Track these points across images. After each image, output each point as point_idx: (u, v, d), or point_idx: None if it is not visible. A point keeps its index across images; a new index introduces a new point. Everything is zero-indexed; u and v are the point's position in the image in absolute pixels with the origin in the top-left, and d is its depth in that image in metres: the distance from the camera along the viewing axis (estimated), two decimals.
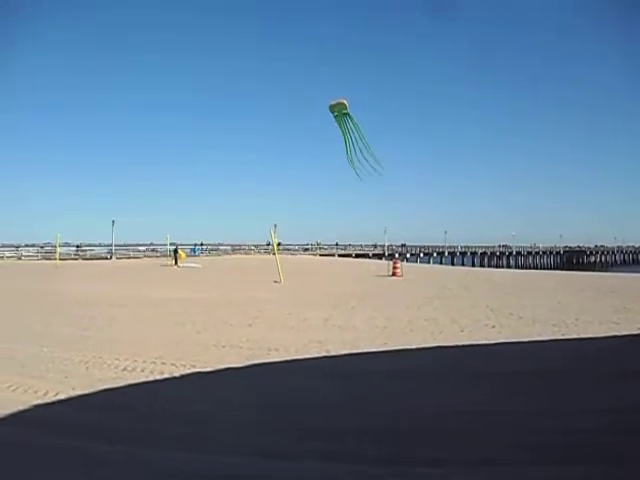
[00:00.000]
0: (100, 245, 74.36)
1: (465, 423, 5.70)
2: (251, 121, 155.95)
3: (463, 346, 10.26)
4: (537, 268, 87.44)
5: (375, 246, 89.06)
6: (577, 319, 13.24)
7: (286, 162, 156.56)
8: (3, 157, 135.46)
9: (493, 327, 12.38)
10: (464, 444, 5.12)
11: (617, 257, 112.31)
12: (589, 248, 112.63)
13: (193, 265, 44.67)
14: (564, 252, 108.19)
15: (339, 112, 13.85)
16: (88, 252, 69.66)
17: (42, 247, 69.15)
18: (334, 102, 14.25)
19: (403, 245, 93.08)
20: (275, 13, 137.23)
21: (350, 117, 13.79)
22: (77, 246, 72.60)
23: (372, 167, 12.76)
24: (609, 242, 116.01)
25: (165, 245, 59.05)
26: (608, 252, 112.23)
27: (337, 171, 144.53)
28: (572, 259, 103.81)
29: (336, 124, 13.86)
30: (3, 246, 69.05)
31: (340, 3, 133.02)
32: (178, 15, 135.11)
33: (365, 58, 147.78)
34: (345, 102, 13.91)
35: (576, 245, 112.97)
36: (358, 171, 12.99)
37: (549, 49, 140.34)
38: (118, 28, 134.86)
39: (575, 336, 11.16)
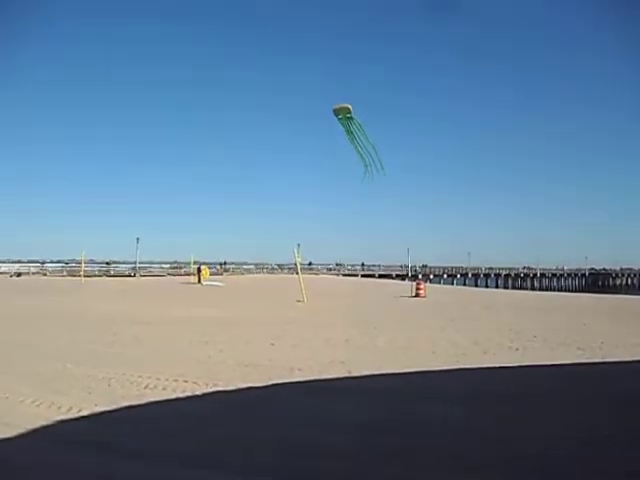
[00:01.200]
0: (125, 262, 75.01)
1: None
2: (277, 138, 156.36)
3: (486, 369, 10.15)
4: (562, 290, 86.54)
5: (402, 266, 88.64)
6: (602, 342, 13.04)
7: (311, 181, 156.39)
8: (28, 171, 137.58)
9: (517, 350, 12.22)
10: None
11: None
12: (614, 270, 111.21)
13: (216, 284, 44.89)
14: (589, 274, 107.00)
15: (343, 116, 14.18)
16: (112, 269, 70.41)
17: (67, 263, 69.93)
18: (337, 107, 14.60)
19: (425, 266, 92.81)
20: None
21: (354, 120, 14.10)
22: (107, 263, 73.46)
23: (377, 167, 13.16)
24: (635, 264, 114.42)
25: (189, 263, 59.32)
26: (634, 275, 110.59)
27: (360, 192, 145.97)
28: (597, 281, 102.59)
29: (340, 127, 14.21)
30: (29, 262, 70.05)
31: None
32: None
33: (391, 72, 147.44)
34: (349, 107, 14.25)
35: (601, 267, 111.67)
36: (368, 170, 13.38)
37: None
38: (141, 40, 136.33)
39: (599, 360, 10.99)
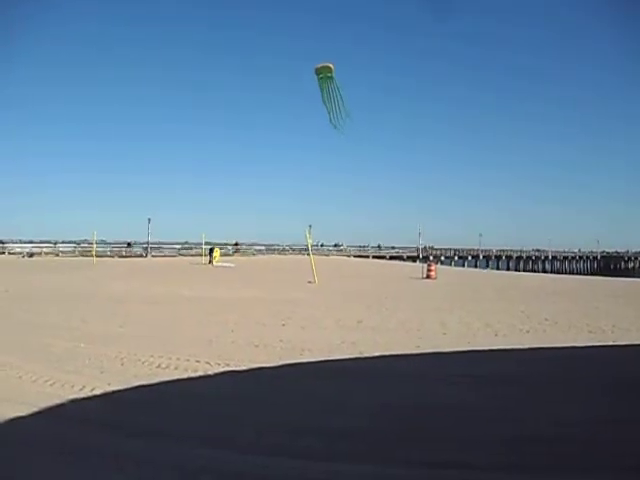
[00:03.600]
0: (136, 243, 75.21)
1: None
2: (287, 120, 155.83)
3: (498, 350, 10.13)
4: (573, 273, 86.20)
5: (418, 249, 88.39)
6: (614, 325, 12.98)
7: (323, 163, 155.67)
8: (38, 150, 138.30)
9: (528, 332, 12.19)
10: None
11: None
12: (626, 254, 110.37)
13: (226, 265, 45.02)
14: (601, 257, 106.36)
15: (324, 74, 14.79)
16: (124, 250, 70.68)
17: (79, 244, 70.21)
18: (320, 65, 15.17)
19: (435, 248, 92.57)
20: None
21: (333, 80, 14.81)
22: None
23: (344, 120, 14.15)
24: None
25: (200, 244, 59.43)
26: None
27: (371, 173, 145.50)
28: (609, 265, 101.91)
29: (318, 86, 14.97)
30: (41, 242, 70.37)
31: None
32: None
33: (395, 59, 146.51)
34: (331, 66, 14.86)
35: (614, 250, 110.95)
36: (338, 126, 14.48)
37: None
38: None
39: (611, 343, 10.94)
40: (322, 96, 15.16)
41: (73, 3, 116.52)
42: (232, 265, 45.29)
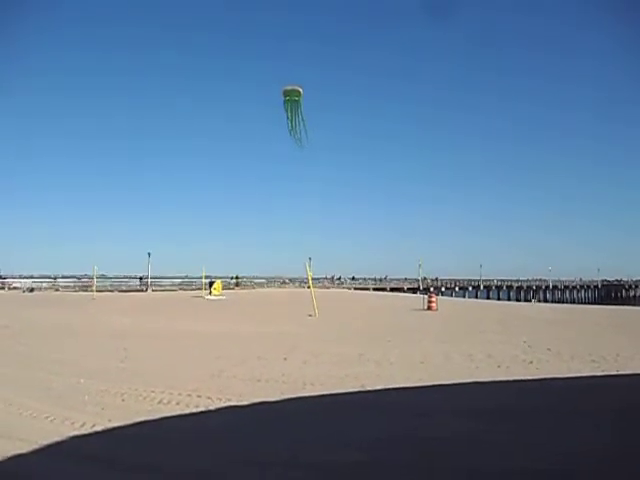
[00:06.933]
0: (135, 277, 75.01)
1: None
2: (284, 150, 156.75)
3: (501, 382, 10.07)
4: (574, 302, 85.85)
5: (420, 280, 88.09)
6: (617, 355, 12.91)
7: (323, 194, 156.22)
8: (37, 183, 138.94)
9: (531, 362, 12.12)
10: None
11: None
12: (627, 282, 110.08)
13: (217, 297, 45.05)
14: (602, 286, 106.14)
15: (291, 97, 15.85)
16: (124, 284, 70.49)
17: (79, 279, 70.07)
18: (289, 88, 16.21)
19: (436, 279, 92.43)
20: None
21: (299, 104, 15.94)
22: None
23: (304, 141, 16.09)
24: None
25: (200, 277, 59.28)
26: None
27: (370, 204, 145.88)
28: (610, 293, 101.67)
29: (284, 106, 16.15)
30: (41, 277, 70.32)
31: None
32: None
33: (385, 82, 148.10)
34: (300, 90, 15.92)
35: (614, 279, 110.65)
36: (299, 143, 16.29)
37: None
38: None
39: (615, 372, 10.87)
40: (287, 114, 16.42)
41: None
42: (223, 297, 45.28)
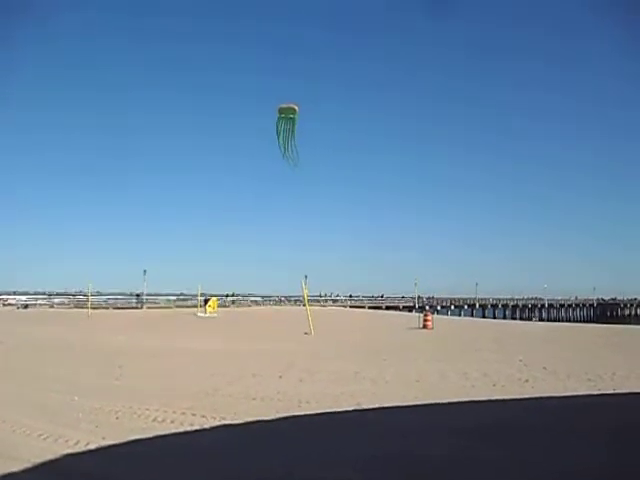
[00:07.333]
0: (131, 294, 74.76)
1: None
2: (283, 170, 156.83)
3: (496, 401, 10.04)
4: (570, 321, 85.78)
5: (416, 298, 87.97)
6: (613, 373, 12.89)
7: (317, 211, 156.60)
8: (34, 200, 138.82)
9: (526, 381, 12.09)
10: None
11: None
12: (622, 301, 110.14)
13: (208, 315, 44.97)
14: (597, 305, 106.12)
15: (286, 115, 16.12)
16: (119, 301, 70.19)
17: (74, 296, 69.82)
18: (285, 105, 16.45)
19: (431, 297, 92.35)
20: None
21: (293, 122, 16.21)
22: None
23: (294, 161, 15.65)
24: None
25: (196, 295, 59.11)
26: None
27: (368, 224, 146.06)
28: (606, 312, 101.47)
29: (278, 123, 16.37)
30: (36, 293, 70.12)
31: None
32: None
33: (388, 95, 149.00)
34: (296, 107, 16.17)
35: (610, 297, 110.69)
36: (290, 162, 15.82)
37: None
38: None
39: (611, 391, 10.86)
40: (278, 132, 16.73)
41: None
42: (215, 315, 45.21)
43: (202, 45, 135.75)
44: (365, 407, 9.43)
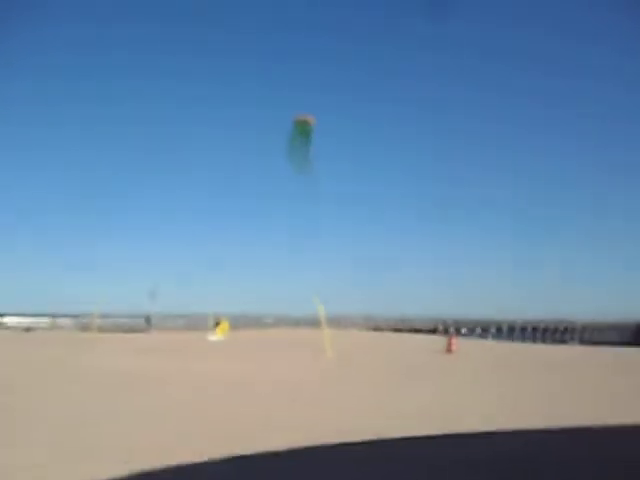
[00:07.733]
0: (139, 317, 74.75)
1: None
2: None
3: (519, 432, 10.01)
4: (605, 344, 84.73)
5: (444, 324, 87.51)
6: None
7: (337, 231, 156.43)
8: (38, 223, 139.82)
9: (553, 412, 12.05)
10: None
11: None
12: None
13: (215, 339, 45.01)
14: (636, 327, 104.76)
15: (302, 128, 16.29)
16: (127, 324, 70.21)
17: (79, 317, 69.97)
18: (302, 118, 16.67)
19: (456, 320, 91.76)
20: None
21: (308, 134, 16.37)
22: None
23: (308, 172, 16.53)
24: None
25: (207, 316, 59.18)
26: None
27: (391, 247, 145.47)
28: None
29: (294, 132, 16.56)
30: (39, 315, 70.36)
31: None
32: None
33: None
34: (310, 121, 16.41)
35: None
36: (302, 171, 16.68)
37: None
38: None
39: None
40: (293, 143, 16.97)
41: None
42: (221, 338, 45.24)
43: (203, 56, 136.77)
44: (384, 437, 9.46)
